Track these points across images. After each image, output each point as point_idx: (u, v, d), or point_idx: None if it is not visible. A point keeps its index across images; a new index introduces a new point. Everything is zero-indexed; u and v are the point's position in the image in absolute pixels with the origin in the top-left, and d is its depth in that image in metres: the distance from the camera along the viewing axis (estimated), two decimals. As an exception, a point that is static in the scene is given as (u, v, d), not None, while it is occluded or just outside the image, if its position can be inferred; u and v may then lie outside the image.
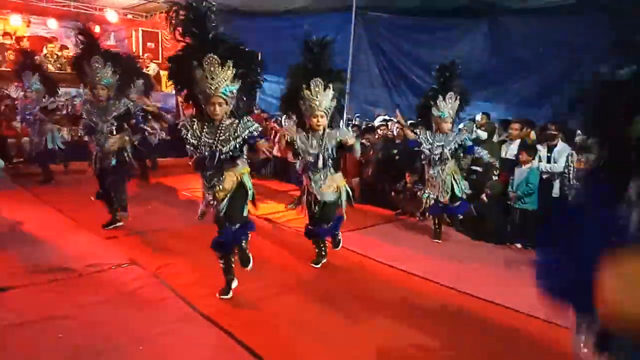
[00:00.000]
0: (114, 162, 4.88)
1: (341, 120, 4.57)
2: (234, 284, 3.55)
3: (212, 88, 3.05)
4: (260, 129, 3.35)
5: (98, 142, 4.83)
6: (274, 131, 8.51)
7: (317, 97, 3.83)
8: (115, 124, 4.82)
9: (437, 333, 3.24)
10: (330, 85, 3.87)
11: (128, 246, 4.58)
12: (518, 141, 5.73)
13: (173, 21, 3.07)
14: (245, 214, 3.49)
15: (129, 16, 13.15)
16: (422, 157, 5.20)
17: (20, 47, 9.64)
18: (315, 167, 4.01)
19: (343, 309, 3.54)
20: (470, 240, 5.49)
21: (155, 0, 11.75)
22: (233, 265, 3.53)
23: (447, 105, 4.91)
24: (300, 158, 4.11)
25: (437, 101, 4.91)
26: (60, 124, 7.47)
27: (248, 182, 3.45)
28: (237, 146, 3.24)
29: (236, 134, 3.22)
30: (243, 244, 3.44)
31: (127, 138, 5.03)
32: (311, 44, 3.92)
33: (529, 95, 7.66)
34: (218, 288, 3.57)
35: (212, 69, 3.01)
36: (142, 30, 12.56)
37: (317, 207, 4.14)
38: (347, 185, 4.29)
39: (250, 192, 3.47)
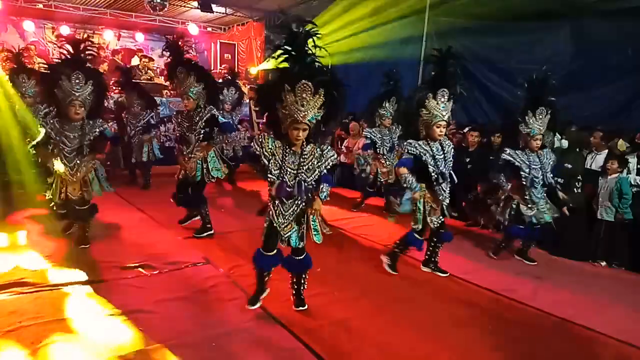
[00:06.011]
0: (198, 177, 4.92)
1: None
2: (264, 294, 3.54)
3: (301, 115, 2.99)
4: (335, 159, 3.34)
5: (187, 152, 4.92)
6: (340, 138, 8.59)
7: (440, 108, 3.97)
8: (202, 132, 4.88)
9: (510, 351, 3.10)
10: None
11: (203, 246, 4.82)
12: (606, 151, 5.34)
13: (272, 41, 3.17)
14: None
15: (209, 29, 13.92)
16: (522, 178, 4.66)
17: (115, 60, 10.48)
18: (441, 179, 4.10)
19: (409, 319, 3.49)
20: (547, 255, 5.18)
21: (232, 14, 12.33)
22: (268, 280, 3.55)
23: (537, 122, 4.53)
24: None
25: (526, 117, 4.53)
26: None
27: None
28: (318, 176, 3.22)
29: (319, 163, 3.20)
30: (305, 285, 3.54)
31: (212, 147, 4.98)
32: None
33: (616, 102, 7.10)
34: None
35: (304, 95, 2.96)
36: (220, 42, 13.18)
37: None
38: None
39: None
